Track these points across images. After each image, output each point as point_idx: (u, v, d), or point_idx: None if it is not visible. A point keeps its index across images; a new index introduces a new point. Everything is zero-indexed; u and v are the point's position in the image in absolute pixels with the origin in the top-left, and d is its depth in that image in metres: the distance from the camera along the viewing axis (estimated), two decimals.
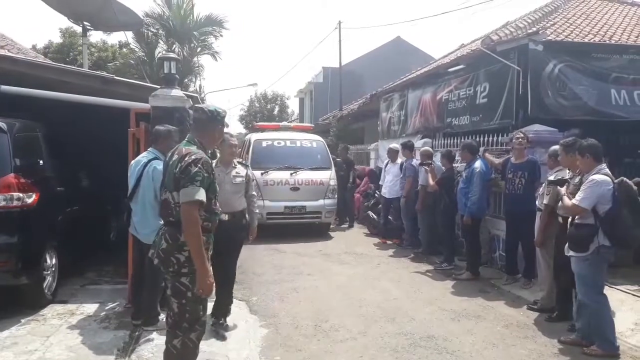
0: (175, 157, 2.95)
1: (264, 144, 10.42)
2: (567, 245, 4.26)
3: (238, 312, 5.08)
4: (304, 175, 9.81)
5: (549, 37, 7.63)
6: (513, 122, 7.57)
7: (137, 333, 4.42)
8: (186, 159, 2.85)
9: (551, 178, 5.01)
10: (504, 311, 5.37)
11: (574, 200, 4.12)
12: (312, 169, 10.03)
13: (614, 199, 4.00)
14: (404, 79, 12.92)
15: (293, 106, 41.81)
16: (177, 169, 2.86)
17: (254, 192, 4.91)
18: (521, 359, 4.16)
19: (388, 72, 19.98)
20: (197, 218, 2.79)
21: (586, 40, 8.01)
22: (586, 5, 10.67)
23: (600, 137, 4.45)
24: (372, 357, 4.13)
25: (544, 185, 5.35)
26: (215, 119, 3.11)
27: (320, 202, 9.84)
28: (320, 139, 11.21)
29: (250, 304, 5.48)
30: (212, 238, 3.12)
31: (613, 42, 8.05)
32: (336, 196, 10.20)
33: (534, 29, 7.99)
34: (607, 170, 4.18)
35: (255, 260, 7.64)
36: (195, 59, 20.94)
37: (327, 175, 10.09)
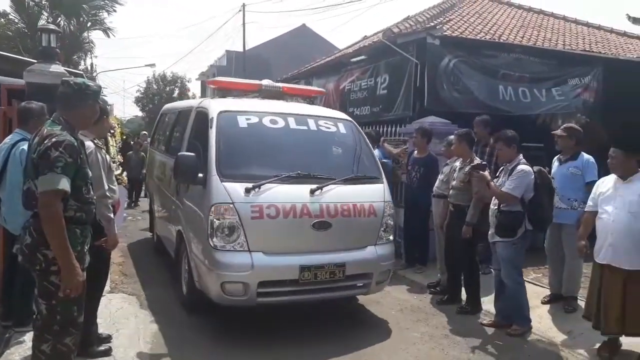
0: (37, 139, 2.59)
1: (243, 123, 4.55)
2: (491, 231, 4.47)
3: (127, 308, 4.74)
4: (337, 196, 4.32)
5: (446, 33, 7.94)
6: (411, 113, 7.81)
7: (7, 335, 3.94)
8: (46, 142, 2.50)
9: (457, 166, 5.17)
10: (399, 296, 5.53)
11: (506, 189, 4.34)
12: (347, 181, 4.48)
13: (535, 186, 4.32)
14: (309, 67, 12.89)
15: (195, 89, 40.41)
16: (36, 154, 2.51)
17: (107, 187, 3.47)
18: (414, 342, 4.29)
19: (293, 59, 19.96)
20: (57, 210, 2.47)
21: (478, 37, 8.45)
22: (479, 4, 11.27)
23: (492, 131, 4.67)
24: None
25: (444, 171, 5.61)
26: (84, 93, 2.72)
27: (371, 251, 4.46)
28: (349, 118, 5.36)
29: (141, 299, 5.13)
30: (88, 230, 2.79)
31: (502, 41, 8.57)
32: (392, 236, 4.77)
33: (432, 24, 8.28)
34: (524, 160, 4.48)
35: None
36: (85, 34, 19.35)
37: (379, 194, 4.63)
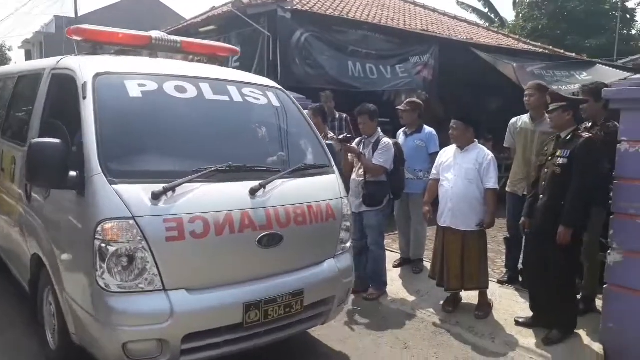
0: None
1: (135, 92, 2.98)
2: (358, 201, 4.57)
3: None
4: (285, 196, 3.06)
5: (296, 7, 7.91)
6: None
7: None
8: None
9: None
10: None
11: (377, 162, 4.49)
12: (294, 174, 3.20)
13: (394, 158, 4.58)
14: None
15: (18, 58, 35.44)
16: None
17: None
18: None
19: (133, 28, 18.45)
20: None
21: (328, 13, 8.59)
22: None
23: (344, 107, 4.77)
24: None
25: None
26: None
27: (331, 266, 3.31)
28: (278, 86, 3.88)
29: None
30: None
31: (350, 17, 8.82)
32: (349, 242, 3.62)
33: None
34: (383, 134, 4.69)
35: None
36: None
37: (334, 189, 3.44)
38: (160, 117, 3.08)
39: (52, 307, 3.08)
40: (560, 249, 3.59)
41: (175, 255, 2.61)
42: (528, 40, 13.95)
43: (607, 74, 9.92)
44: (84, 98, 2.82)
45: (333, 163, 3.56)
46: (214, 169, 2.80)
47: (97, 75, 2.94)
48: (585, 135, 3.66)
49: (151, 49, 3.85)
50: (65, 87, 3.20)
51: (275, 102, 3.58)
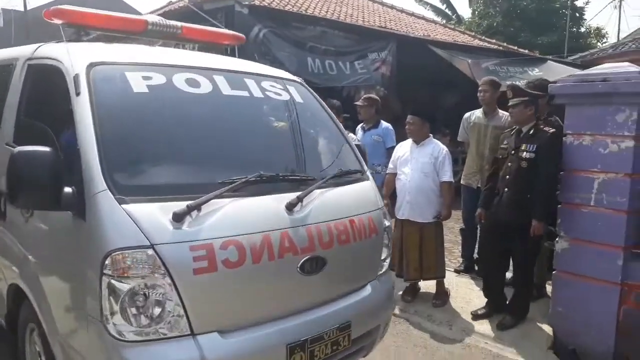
0: None
1: (139, 86, 2.39)
2: None
3: None
4: (325, 210, 2.55)
5: (254, 2, 7.88)
6: None
7: None
8: None
9: None
10: None
11: None
12: (330, 182, 2.67)
13: None
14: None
15: None
16: None
17: None
18: None
19: None
20: None
21: (286, 9, 8.58)
22: None
23: None
24: None
25: None
26: None
27: (376, 290, 2.82)
28: (298, 79, 3.32)
29: None
30: None
31: (308, 13, 8.84)
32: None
33: None
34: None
35: None
36: None
37: (372, 198, 2.94)
38: (172, 117, 2.48)
39: (38, 347, 2.52)
40: (525, 240, 3.74)
41: (205, 291, 2.07)
42: (483, 37, 14.33)
43: (557, 70, 10.31)
44: (78, 94, 2.23)
45: (366, 168, 3.11)
46: (244, 180, 2.25)
47: (92, 65, 2.35)
48: (549, 129, 3.79)
49: (147, 36, 3.23)
50: (47, 81, 2.63)
51: (298, 98, 3.04)
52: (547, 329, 3.78)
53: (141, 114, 2.42)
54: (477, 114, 4.87)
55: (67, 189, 2.06)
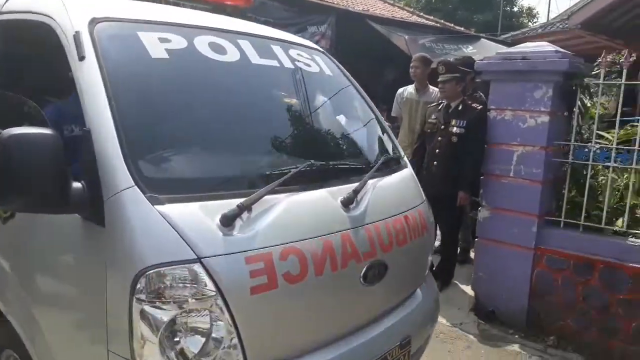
0: None
1: (157, 50, 1.87)
2: None
3: None
4: (379, 206, 2.13)
5: None
6: None
7: None
8: None
9: None
10: None
11: None
12: (378, 172, 2.26)
13: None
14: None
15: None
16: None
17: None
18: None
19: None
20: None
21: None
22: None
23: None
24: None
25: None
26: None
27: (427, 296, 2.47)
28: (319, 47, 2.85)
29: None
30: None
31: None
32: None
33: None
34: None
35: None
36: None
37: (416, 189, 2.55)
38: (200, 92, 2.01)
39: None
40: (452, 210, 3.95)
41: (264, 314, 1.64)
42: (421, 14, 14.59)
43: (490, 48, 10.66)
44: (81, 58, 1.70)
45: (403, 153, 2.68)
46: (295, 170, 1.84)
47: (95, 21, 1.80)
48: (477, 106, 3.97)
49: None
50: (31, 41, 2.07)
51: (327, 70, 2.59)
52: (470, 292, 4.04)
53: (163, 86, 1.91)
54: (410, 89, 5.02)
55: (76, 184, 1.57)
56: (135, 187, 1.53)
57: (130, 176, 1.54)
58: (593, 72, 3.53)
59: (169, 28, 2.00)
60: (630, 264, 3.23)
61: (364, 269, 1.93)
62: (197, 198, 1.61)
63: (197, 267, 1.51)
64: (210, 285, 1.51)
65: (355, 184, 2.01)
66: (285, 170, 1.82)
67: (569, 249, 3.47)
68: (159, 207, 1.53)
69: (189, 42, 1.99)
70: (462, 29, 13.68)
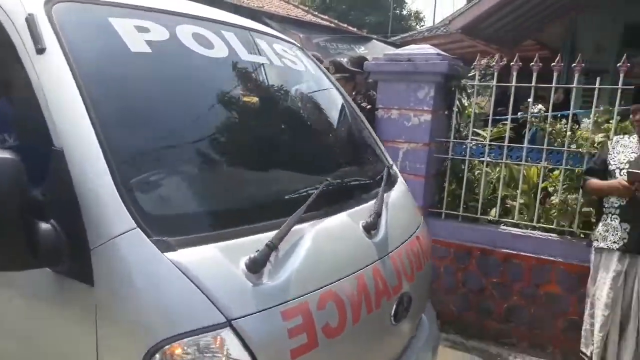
0: None
1: (136, 43, 1.45)
2: None
3: None
4: (394, 228, 1.83)
5: None
6: None
7: None
8: None
9: None
10: None
11: None
12: (384, 187, 1.93)
13: None
14: None
15: None
16: None
17: None
18: None
19: None
20: None
21: None
22: None
23: None
24: None
25: None
26: None
27: (431, 320, 2.27)
28: (292, 40, 2.38)
29: None
30: None
31: None
32: None
33: None
34: None
35: None
36: None
37: (414, 205, 2.33)
38: (198, 95, 1.63)
39: None
40: None
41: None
42: (316, 13, 14.84)
43: (380, 49, 11.15)
44: (40, 51, 1.25)
45: (393, 164, 2.35)
46: (317, 191, 1.49)
47: (51, 2, 1.35)
48: (367, 105, 4.07)
49: None
50: None
51: (311, 69, 2.25)
52: None
53: (153, 90, 1.48)
54: None
55: (44, 226, 1.13)
56: (138, 229, 1.13)
57: (129, 214, 1.13)
58: (470, 74, 3.81)
59: (143, 14, 1.58)
60: (502, 250, 3.55)
61: (394, 305, 1.68)
62: (214, 238, 1.23)
63: (227, 333, 1.14)
64: (244, 353, 1.16)
65: (369, 203, 1.74)
66: (304, 193, 1.49)
67: (450, 238, 3.73)
68: (170, 255, 1.14)
69: (170, 32, 1.60)
70: (355, 29, 14.13)
